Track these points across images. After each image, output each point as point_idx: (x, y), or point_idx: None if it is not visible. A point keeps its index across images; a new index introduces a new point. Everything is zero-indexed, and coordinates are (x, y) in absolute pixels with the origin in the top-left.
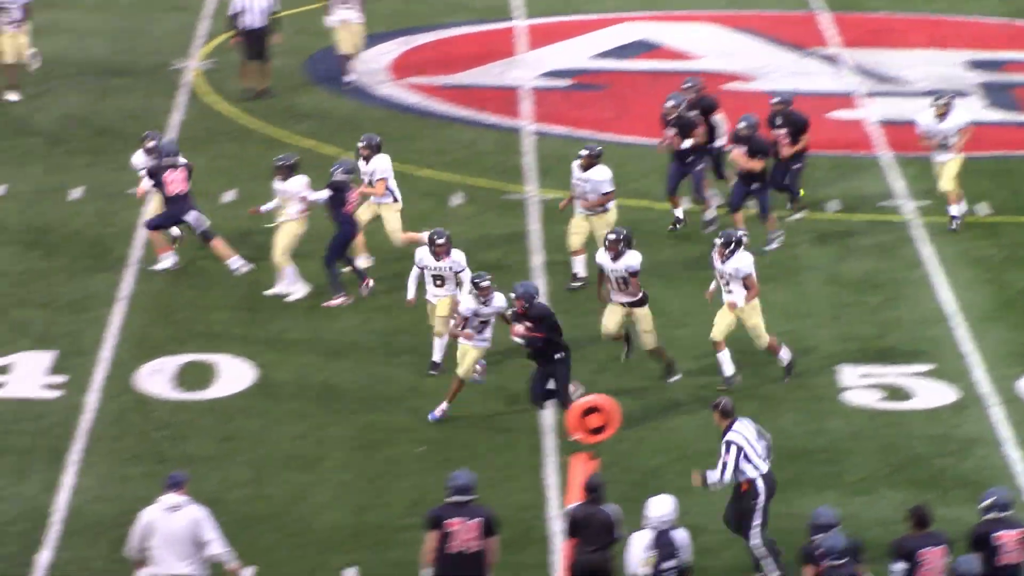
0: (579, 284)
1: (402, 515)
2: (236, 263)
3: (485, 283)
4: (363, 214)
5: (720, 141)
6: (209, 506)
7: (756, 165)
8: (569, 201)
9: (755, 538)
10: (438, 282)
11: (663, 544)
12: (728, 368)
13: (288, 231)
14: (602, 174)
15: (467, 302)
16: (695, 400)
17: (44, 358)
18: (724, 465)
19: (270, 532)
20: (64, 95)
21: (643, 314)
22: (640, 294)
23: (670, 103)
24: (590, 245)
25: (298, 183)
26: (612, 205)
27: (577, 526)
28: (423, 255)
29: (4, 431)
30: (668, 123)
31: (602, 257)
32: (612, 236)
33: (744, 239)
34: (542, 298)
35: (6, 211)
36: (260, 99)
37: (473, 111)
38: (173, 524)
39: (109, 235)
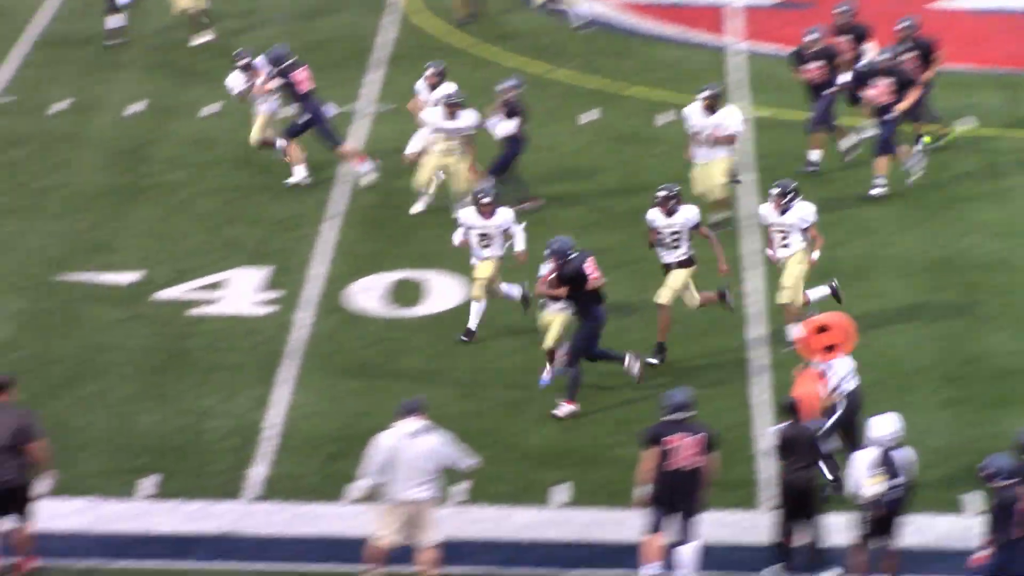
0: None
1: (610, 433)
2: (365, 167)
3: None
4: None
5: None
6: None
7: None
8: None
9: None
10: (484, 242)
11: (887, 463)
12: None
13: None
14: (731, 115)
15: (468, 214)
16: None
17: (257, 275)
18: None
19: (482, 449)
20: (270, 18)
21: (683, 274)
22: (690, 253)
23: (809, 37)
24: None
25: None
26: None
27: (786, 445)
28: (468, 214)
29: (217, 347)
30: (806, 58)
31: (654, 215)
32: (663, 192)
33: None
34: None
35: (218, 129)
36: (473, 22)
37: (681, 29)
38: (414, 450)
39: (320, 152)
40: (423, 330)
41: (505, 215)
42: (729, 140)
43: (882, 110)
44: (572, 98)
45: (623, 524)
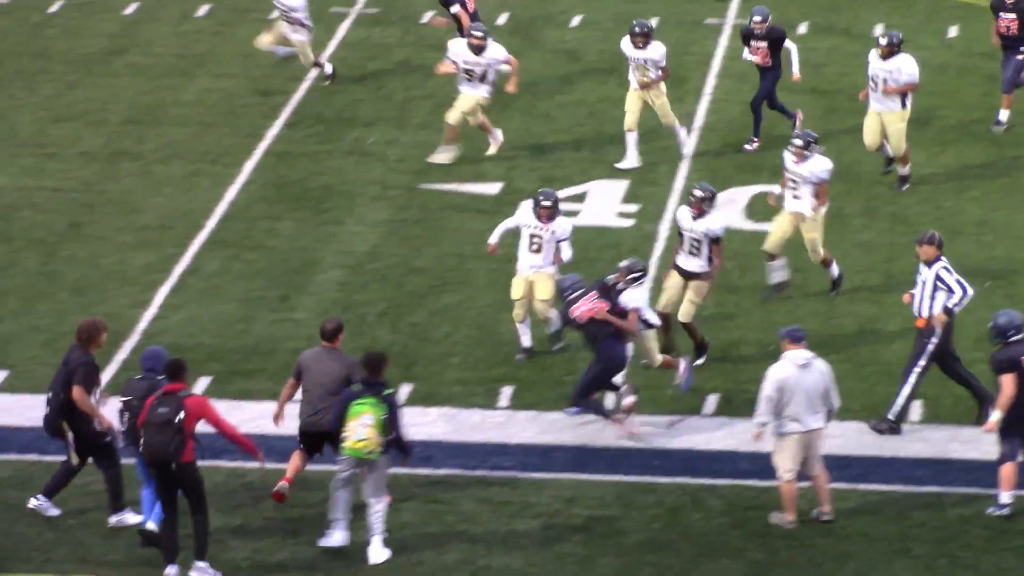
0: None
1: (969, 349)
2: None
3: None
4: None
5: None
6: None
7: None
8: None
9: (913, 376)
10: (534, 247)
11: None
12: (779, 275)
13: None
14: (907, 63)
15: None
16: None
17: (618, 187)
18: (959, 283)
19: (841, 363)
20: None
21: (700, 285)
22: (711, 266)
23: (756, 18)
24: None
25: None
26: (909, 101)
27: None
28: (524, 212)
29: (582, 258)
30: (756, 37)
31: (682, 214)
32: (699, 192)
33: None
34: None
35: (586, 40)
36: None
37: None
38: (809, 379)
39: (686, 63)
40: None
41: (563, 224)
42: (904, 90)
43: None
44: None
45: (977, 442)
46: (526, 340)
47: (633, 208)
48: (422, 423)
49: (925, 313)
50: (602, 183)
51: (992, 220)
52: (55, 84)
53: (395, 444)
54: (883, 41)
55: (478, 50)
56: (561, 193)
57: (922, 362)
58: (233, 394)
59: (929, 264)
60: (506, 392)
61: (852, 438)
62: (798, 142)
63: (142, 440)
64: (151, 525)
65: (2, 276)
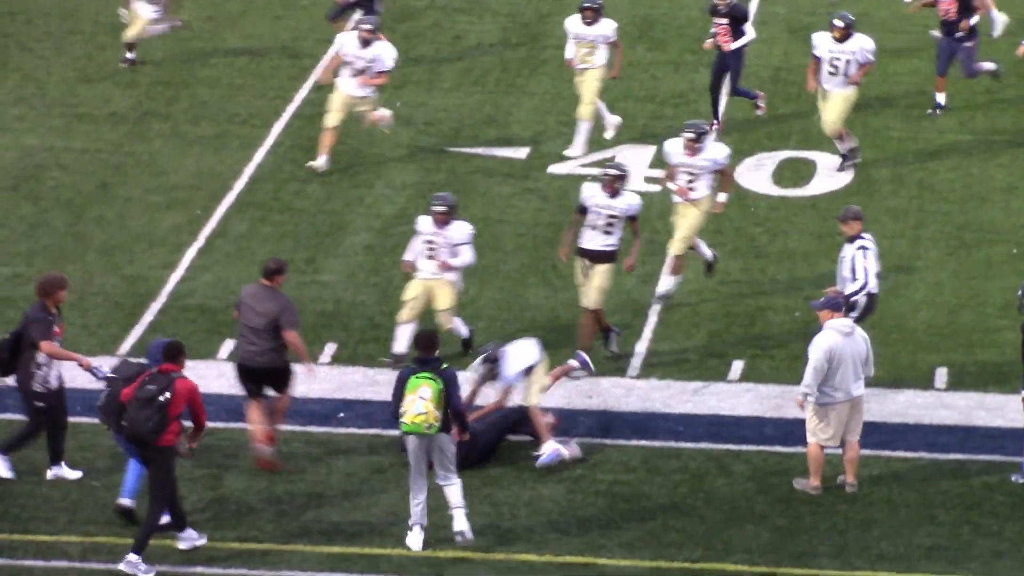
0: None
1: (995, 316)
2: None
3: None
4: None
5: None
6: (807, 303)
7: None
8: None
9: None
10: (430, 253)
11: None
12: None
13: None
14: (867, 42)
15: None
16: None
17: (646, 152)
18: (864, 272)
19: (865, 328)
20: None
21: (605, 270)
22: (633, 245)
23: None
24: None
25: None
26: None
27: None
28: (423, 220)
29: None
30: (719, 13)
31: (590, 192)
32: (613, 171)
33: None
34: None
35: (617, 5)
36: None
37: None
38: (853, 347)
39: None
40: (810, 209)
41: (461, 228)
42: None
43: None
44: None
45: (1002, 410)
46: (399, 346)
47: (660, 174)
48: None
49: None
50: (629, 148)
51: (1020, 187)
52: (85, 45)
53: (454, 419)
54: (838, 23)
55: (366, 43)
56: (588, 159)
57: None
58: None
59: (851, 240)
60: None
61: (876, 405)
62: (690, 134)
63: (126, 415)
64: (125, 501)
65: (31, 236)
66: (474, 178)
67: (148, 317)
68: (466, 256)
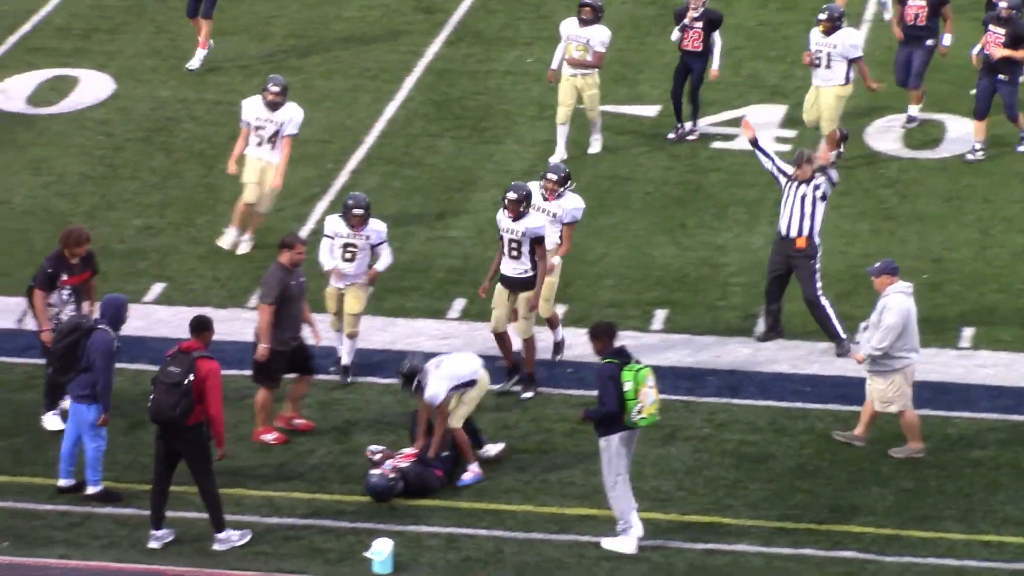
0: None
1: None
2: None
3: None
4: None
5: None
6: (935, 266)
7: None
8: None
9: (825, 300)
10: (348, 256)
11: None
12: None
13: None
14: (851, 36)
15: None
16: None
17: (776, 111)
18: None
19: (992, 293)
20: None
21: (528, 298)
22: (536, 269)
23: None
24: None
25: None
26: (852, 76)
27: None
28: (333, 222)
29: (736, 183)
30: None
31: (500, 215)
32: (512, 194)
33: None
34: None
35: None
36: None
37: None
38: (915, 310)
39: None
40: (940, 172)
41: (376, 227)
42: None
43: None
44: None
45: None
46: (345, 356)
47: (791, 133)
48: (576, 344)
49: (806, 231)
50: (759, 107)
51: None
52: None
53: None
54: (823, 16)
55: (274, 107)
56: (718, 117)
57: (819, 283)
58: (388, 311)
59: (808, 181)
60: (659, 315)
61: (1004, 370)
62: (553, 176)
63: (151, 397)
64: (62, 482)
65: (163, 188)
66: (603, 135)
67: None
68: (387, 257)
